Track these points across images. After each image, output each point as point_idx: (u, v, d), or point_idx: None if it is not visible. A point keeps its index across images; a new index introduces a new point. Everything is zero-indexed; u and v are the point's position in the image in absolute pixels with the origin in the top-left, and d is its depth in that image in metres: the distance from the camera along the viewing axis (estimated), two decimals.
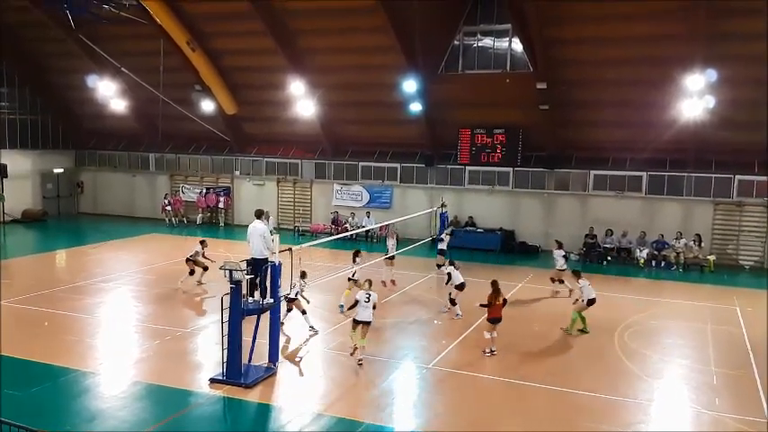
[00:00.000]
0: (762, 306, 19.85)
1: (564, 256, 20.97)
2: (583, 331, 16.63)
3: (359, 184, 32.12)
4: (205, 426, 11.44)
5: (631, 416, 11.98)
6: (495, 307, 15.00)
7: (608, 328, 17.16)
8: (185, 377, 13.33)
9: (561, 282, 20.56)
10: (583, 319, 16.73)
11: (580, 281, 16.84)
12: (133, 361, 14.26)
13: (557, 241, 21.67)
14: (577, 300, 17.52)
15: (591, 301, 16.63)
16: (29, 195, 35.54)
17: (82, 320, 17.08)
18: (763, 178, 25.57)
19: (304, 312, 16.29)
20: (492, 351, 14.92)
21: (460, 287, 17.92)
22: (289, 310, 16.08)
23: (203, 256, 21.11)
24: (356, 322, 14.09)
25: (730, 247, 26.37)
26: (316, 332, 16.21)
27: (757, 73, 23.25)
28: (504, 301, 15.28)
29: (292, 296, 15.67)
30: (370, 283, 14.59)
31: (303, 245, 20.06)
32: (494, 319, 15.00)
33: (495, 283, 15.33)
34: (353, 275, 18.67)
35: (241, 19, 27.59)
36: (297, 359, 14.63)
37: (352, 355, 14.34)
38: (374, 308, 14.10)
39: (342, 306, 17.79)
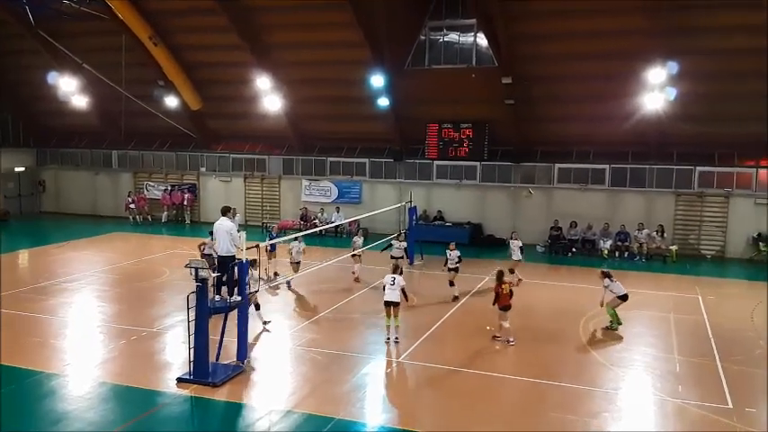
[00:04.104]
0: (722, 295, 20.48)
1: (521, 248, 21.38)
2: (611, 327, 16.57)
3: (327, 179, 32.04)
4: (173, 426, 11.33)
5: (596, 404, 12.18)
6: (503, 296, 15.44)
7: (573, 318, 17.44)
8: (152, 377, 13.18)
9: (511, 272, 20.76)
10: (613, 314, 16.64)
11: (606, 280, 16.67)
12: (99, 362, 14.05)
13: (513, 233, 22.28)
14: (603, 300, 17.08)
15: (623, 297, 16.51)
16: None
17: (46, 321, 16.77)
18: (723, 169, 26.18)
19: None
20: (511, 340, 15.35)
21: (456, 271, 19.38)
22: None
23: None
24: (386, 305, 15.19)
25: (692, 238, 26.94)
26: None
27: (717, 66, 23.79)
28: (511, 291, 15.64)
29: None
30: (395, 267, 15.93)
31: (270, 241, 20.15)
32: (504, 307, 15.44)
33: (499, 274, 15.78)
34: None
35: (204, 14, 27.30)
36: (266, 357, 14.56)
37: (387, 342, 15.20)
38: (404, 291, 15.30)
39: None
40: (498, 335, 15.58)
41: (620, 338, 16.01)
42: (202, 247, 20.58)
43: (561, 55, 25.12)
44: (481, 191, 29.65)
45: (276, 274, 21.50)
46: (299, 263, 20.44)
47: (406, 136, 30.24)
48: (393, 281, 15.17)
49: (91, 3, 26.95)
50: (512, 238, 21.80)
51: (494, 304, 15.65)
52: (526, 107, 27.09)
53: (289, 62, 28.70)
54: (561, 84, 26.04)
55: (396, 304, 15.12)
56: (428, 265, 24.12)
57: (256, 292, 15.86)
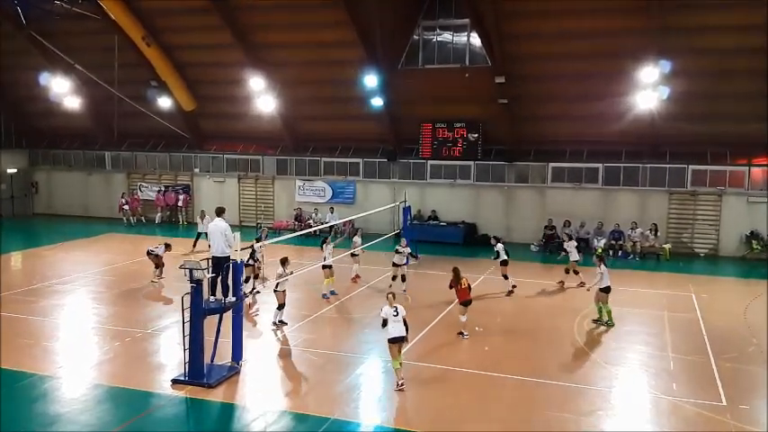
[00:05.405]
0: (715, 293, 20.57)
1: (576, 247, 21.44)
2: (607, 324, 16.67)
3: (321, 179, 32.01)
4: (168, 427, 11.29)
5: (591, 402, 12.21)
6: (461, 291, 15.63)
7: (567, 316, 17.48)
8: (147, 379, 13.14)
9: (576, 273, 20.94)
10: (608, 311, 16.78)
11: (602, 266, 16.89)
12: (93, 363, 14.00)
13: (567, 234, 22.84)
14: (588, 287, 17.78)
15: (605, 290, 16.69)
16: None
17: (38, 323, 16.70)
18: (716, 168, 26.28)
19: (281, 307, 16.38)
20: (464, 334, 15.63)
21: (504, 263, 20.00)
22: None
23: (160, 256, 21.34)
24: (392, 342, 12.71)
25: (685, 236, 27.02)
26: (277, 328, 16.34)
27: (710, 65, 23.91)
28: (469, 285, 15.89)
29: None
30: (394, 296, 13.39)
31: (265, 242, 20.09)
32: (464, 302, 15.68)
33: (455, 270, 15.93)
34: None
35: (197, 13, 27.28)
36: (261, 357, 14.53)
37: (397, 389, 12.56)
38: (405, 323, 12.81)
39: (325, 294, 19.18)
40: (464, 331, 15.71)
41: (613, 337, 16.04)
42: (154, 249, 20.92)
43: (554, 54, 25.18)
44: (475, 190, 29.66)
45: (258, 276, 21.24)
46: (330, 267, 19.15)
47: (400, 136, 30.24)
48: (396, 311, 12.78)
49: (83, 3, 26.87)
50: (566, 239, 21.83)
51: (452, 289, 15.91)
52: (519, 106, 27.14)
53: (282, 62, 28.66)
54: (554, 83, 26.10)
55: (403, 339, 12.81)
56: (423, 265, 24.13)
57: (280, 290, 16.29)
